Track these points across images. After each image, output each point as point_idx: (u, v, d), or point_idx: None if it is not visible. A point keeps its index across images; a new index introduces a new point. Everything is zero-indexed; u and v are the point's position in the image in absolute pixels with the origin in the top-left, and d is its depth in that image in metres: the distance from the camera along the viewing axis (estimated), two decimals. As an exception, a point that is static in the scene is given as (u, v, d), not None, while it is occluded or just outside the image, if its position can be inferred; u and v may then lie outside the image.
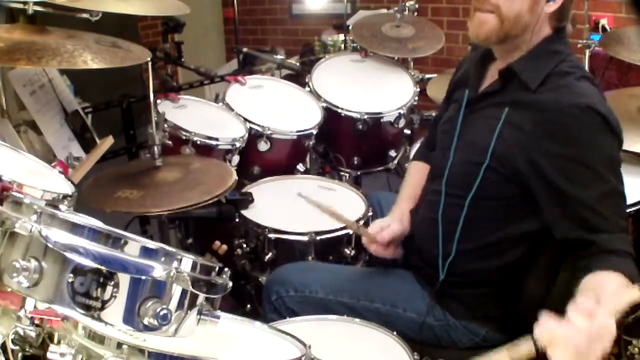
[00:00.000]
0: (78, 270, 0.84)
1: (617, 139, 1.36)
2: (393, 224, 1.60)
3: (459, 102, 1.54)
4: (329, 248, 1.95)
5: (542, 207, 1.36)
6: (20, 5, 1.54)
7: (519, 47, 1.41)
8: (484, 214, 1.44)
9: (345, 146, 2.69)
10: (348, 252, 1.95)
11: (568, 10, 1.41)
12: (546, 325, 1.00)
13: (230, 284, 0.97)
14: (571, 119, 1.30)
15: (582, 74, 1.38)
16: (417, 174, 1.75)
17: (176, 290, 0.89)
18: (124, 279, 0.85)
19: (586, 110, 1.30)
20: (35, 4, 1.54)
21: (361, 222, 1.97)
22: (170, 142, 2.10)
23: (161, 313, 0.86)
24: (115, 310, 0.85)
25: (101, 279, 0.85)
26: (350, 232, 1.94)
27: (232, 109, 2.45)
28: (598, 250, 1.26)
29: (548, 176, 1.33)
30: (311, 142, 2.51)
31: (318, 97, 2.64)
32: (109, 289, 0.85)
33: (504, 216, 1.43)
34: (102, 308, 0.85)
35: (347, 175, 2.71)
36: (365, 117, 2.57)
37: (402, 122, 2.66)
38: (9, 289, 0.89)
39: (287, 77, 3.12)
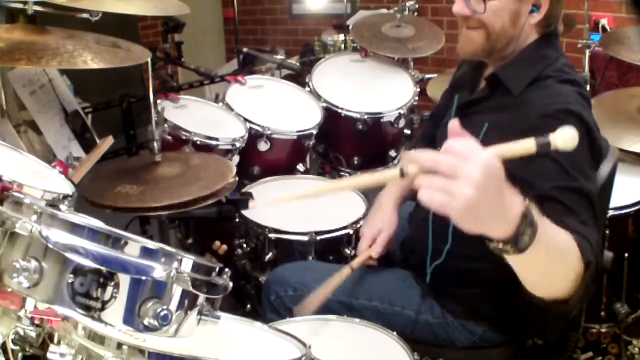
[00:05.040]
0: (78, 270, 0.84)
1: (590, 143, 1.29)
2: (384, 231, 1.62)
3: (452, 107, 1.55)
4: (329, 248, 1.95)
5: None
6: (20, 5, 1.54)
7: (507, 56, 1.41)
8: None
9: (345, 146, 2.69)
10: (348, 252, 1.95)
11: (555, 16, 1.39)
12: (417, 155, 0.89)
13: (231, 284, 0.97)
14: (543, 118, 1.28)
15: (566, 77, 1.36)
16: None
17: (176, 291, 0.89)
18: (124, 280, 0.85)
19: (559, 110, 1.27)
20: (35, 4, 1.54)
21: (361, 222, 1.98)
22: (170, 138, 2.09)
23: (161, 313, 0.86)
24: (115, 310, 0.85)
25: (101, 279, 0.85)
26: (351, 232, 1.95)
27: (232, 109, 2.45)
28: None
29: (513, 170, 1.31)
30: (311, 142, 2.51)
31: (318, 97, 2.64)
32: (109, 289, 0.85)
33: None
34: (102, 308, 0.85)
35: (347, 175, 2.71)
36: (365, 117, 2.57)
37: (402, 122, 2.66)
38: (9, 289, 0.89)
39: (287, 77, 3.12)
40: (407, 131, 2.76)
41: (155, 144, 1.85)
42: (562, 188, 1.21)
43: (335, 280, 1.52)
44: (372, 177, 1.02)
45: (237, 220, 2.02)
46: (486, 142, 1.37)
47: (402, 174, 0.89)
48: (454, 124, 0.91)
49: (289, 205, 2.12)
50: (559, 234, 1.02)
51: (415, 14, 3.14)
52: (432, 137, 1.68)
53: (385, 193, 1.72)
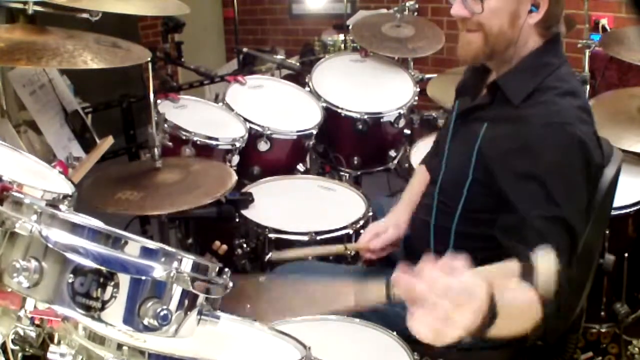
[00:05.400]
0: (78, 270, 0.84)
1: (588, 164, 1.27)
2: (389, 229, 1.64)
3: (453, 112, 1.55)
4: (329, 248, 1.95)
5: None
6: (20, 5, 1.54)
7: (508, 61, 1.40)
8: (475, 225, 1.42)
9: (345, 146, 2.69)
10: (348, 252, 1.95)
11: (556, 17, 1.37)
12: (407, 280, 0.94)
13: (231, 284, 0.97)
14: (540, 137, 1.27)
15: (568, 88, 1.33)
16: (419, 180, 1.75)
17: (176, 291, 0.89)
18: (124, 279, 0.85)
19: (557, 130, 1.26)
20: (35, 4, 1.54)
21: (361, 222, 1.98)
22: (170, 144, 2.10)
23: (161, 313, 0.86)
24: (115, 310, 0.85)
25: (101, 279, 0.84)
26: (351, 232, 1.95)
27: (232, 109, 2.45)
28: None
29: (504, 187, 1.30)
30: (311, 142, 2.51)
31: (318, 97, 2.64)
32: (109, 289, 0.85)
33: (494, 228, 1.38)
34: (102, 308, 0.85)
35: (347, 175, 2.71)
36: (365, 117, 2.57)
37: (402, 122, 2.66)
38: (9, 289, 0.89)
39: (287, 77, 3.12)
40: (407, 131, 2.75)
41: (155, 150, 1.85)
42: (544, 218, 1.20)
43: (323, 250, 1.54)
44: None
45: (237, 220, 2.02)
46: (480, 152, 1.38)
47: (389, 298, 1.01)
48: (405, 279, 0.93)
49: (289, 206, 2.12)
50: (521, 302, 1.04)
51: (415, 14, 3.14)
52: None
53: (402, 204, 1.72)
